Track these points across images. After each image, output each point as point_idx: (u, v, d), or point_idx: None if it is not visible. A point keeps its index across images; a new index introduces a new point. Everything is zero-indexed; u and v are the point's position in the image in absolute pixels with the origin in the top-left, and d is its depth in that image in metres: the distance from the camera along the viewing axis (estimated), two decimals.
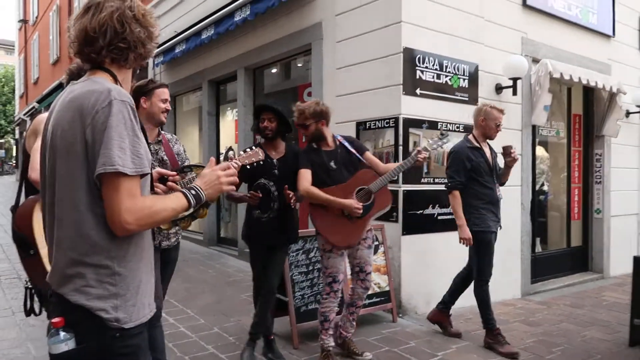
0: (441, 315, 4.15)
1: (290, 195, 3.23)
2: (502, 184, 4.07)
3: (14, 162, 34.31)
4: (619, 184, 6.93)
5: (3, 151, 39.11)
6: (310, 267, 4.05)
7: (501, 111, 3.98)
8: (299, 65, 6.63)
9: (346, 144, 3.57)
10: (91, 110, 1.33)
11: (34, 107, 21.04)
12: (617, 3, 6.87)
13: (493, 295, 5.23)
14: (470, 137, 4.01)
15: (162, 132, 3.01)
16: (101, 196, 1.34)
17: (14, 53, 33.25)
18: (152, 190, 1.90)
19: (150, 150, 2.72)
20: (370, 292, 3.96)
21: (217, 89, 8.34)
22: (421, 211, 4.66)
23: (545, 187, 6.79)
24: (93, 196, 1.35)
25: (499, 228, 3.97)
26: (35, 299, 2.08)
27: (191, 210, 1.72)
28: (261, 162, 2.86)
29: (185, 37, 7.85)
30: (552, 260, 6.41)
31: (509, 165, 3.96)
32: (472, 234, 3.78)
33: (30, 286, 2.08)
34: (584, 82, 5.97)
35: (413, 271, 4.62)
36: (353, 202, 3.30)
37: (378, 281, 4.34)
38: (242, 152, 2.75)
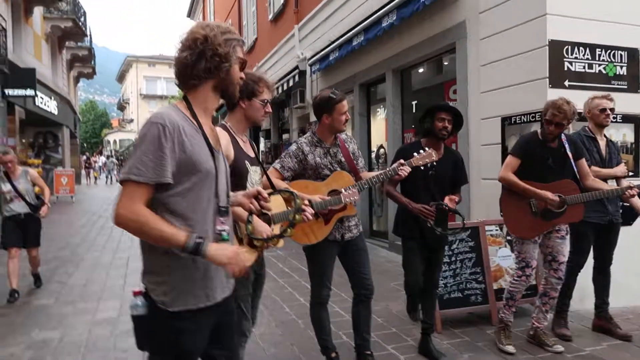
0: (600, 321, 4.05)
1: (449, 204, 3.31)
2: None
3: None
4: None
5: None
6: (453, 258, 4.29)
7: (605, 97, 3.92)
8: (445, 63, 6.79)
9: (567, 145, 3.66)
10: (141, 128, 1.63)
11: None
12: None
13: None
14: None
15: (338, 134, 3.24)
16: (151, 205, 1.59)
17: None
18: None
19: (330, 153, 3.15)
20: None
21: (368, 90, 8.85)
22: None
23: None
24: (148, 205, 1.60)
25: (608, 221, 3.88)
26: None
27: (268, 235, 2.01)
28: (434, 163, 3.18)
29: (338, 45, 8.50)
30: None
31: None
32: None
33: None
34: None
35: None
36: (549, 194, 3.47)
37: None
38: (416, 154, 3.14)
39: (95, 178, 31.05)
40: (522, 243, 3.63)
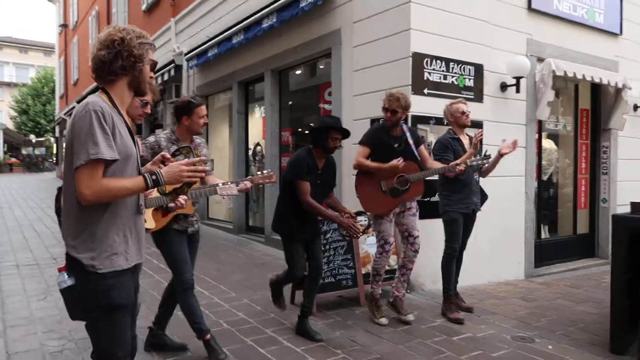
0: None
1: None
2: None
3: (54, 159, 35.95)
4: (625, 174, 7.26)
5: (43, 149, 40.99)
6: (327, 247, 4.64)
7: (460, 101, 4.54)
8: (321, 67, 7.20)
9: (408, 134, 4.18)
10: (74, 118, 1.83)
11: (73, 107, 22.26)
12: (624, 1, 7.18)
13: (495, 276, 5.74)
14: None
15: (195, 137, 3.49)
16: None
17: (54, 55, 34.85)
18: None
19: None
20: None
21: (246, 89, 8.98)
22: (428, 199, 5.17)
23: (552, 178, 7.18)
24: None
25: (473, 210, 4.47)
26: None
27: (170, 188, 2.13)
28: (319, 172, 3.59)
29: (217, 42, 8.50)
30: (557, 246, 6.84)
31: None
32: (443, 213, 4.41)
33: None
34: (589, 79, 6.35)
35: (421, 252, 5.11)
36: (394, 161, 3.92)
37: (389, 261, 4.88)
38: (259, 172, 3.37)
39: None
40: (380, 223, 4.11)
